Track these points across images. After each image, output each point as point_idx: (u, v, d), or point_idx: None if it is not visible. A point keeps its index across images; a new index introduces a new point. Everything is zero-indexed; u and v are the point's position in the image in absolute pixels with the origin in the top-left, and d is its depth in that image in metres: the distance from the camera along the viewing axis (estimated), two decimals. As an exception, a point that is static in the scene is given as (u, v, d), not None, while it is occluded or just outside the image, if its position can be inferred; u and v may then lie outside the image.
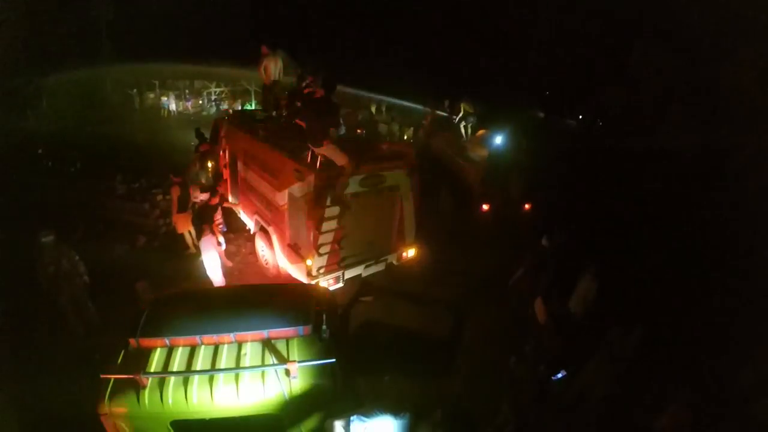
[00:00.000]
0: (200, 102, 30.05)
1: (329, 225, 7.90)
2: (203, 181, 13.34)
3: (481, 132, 15.20)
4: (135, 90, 31.00)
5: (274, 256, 9.46)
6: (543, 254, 9.24)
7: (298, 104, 9.78)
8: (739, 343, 7.37)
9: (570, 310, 8.18)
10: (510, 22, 30.42)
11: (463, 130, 16.16)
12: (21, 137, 21.32)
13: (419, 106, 20.13)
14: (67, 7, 27.20)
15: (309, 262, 8.02)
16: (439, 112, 17.63)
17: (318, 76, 8.49)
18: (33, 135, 22.54)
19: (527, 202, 13.86)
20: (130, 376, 4.16)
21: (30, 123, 25.69)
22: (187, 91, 30.60)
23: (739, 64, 21.98)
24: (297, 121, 8.77)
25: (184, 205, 10.83)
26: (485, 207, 13.59)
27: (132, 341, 4.68)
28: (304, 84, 9.65)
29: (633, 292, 9.16)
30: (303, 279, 8.30)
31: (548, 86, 29.61)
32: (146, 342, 4.63)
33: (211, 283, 9.24)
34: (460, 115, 16.26)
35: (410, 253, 9.62)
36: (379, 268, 9.18)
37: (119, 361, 4.58)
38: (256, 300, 5.52)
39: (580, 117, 31.53)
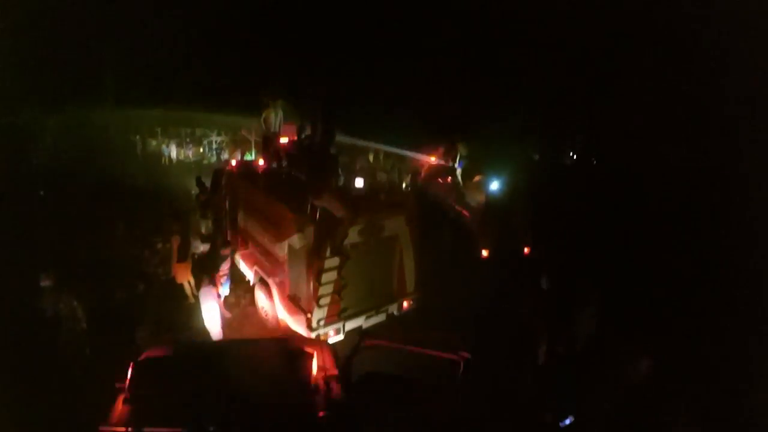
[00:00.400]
0: (201, 150, 30.34)
1: (329, 276, 7.84)
2: (203, 230, 13.40)
3: (477, 177, 15.30)
4: (138, 136, 31.38)
5: (273, 308, 9.35)
6: (543, 296, 9.26)
7: (298, 155, 9.87)
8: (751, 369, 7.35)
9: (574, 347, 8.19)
10: (500, 66, 30.95)
11: (459, 175, 16.27)
12: (22, 178, 21.54)
13: (416, 153, 20.35)
14: (72, 49, 27.78)
15: (309, 314, 7.95)
16: (434, 158, 17.78)
17: (317, 127, 8.63)
18: (35, 176, 22.79)
19: (527, 246, 13.86)
20: None
21: (32, 164, 25.99)
22: (188, 138, 30.93)
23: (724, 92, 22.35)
24: (296, 172, 8.87)
25: (184, 254, 10.81)
26: (485, 253, 13.56)
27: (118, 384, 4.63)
28: (303, 135, 9.79)
29: (636, 325, 9.10)
30: (303, 331, 8.19)
31: (541, 127, 29.89)
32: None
33: (208, 333, 9.16)
34: (457, 159, 16.40)
35: (411, 301, 9.52)
36: (381, 318, 9.04)
37: None
38: (250, 367, 5.41)
39: (573, 155, 31.88)
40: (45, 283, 7.77)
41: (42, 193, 20.04)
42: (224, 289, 9.98)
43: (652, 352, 6.89)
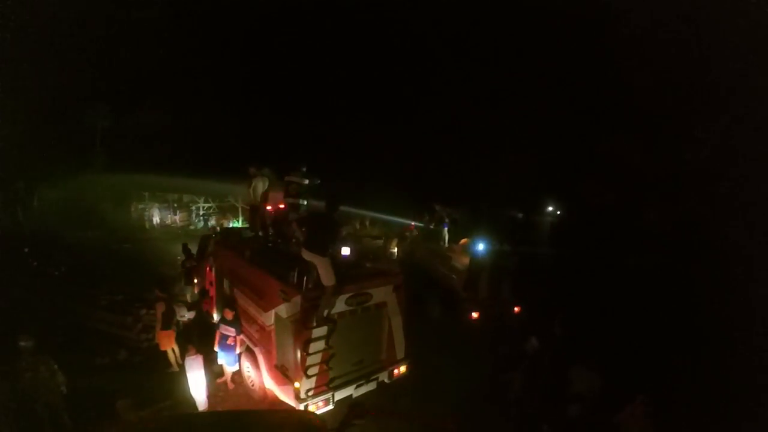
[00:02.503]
0: (188, 216, 30.41)
1: (317, 346, 7.77)
2: (188, 298, 13.29)
3: (463, 241, 15.44)
4: (125, 200, 31.42)
5: (260, 378, 9.20)
6: (535, 356, 9.28)
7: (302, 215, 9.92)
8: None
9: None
10: (483, 129, 31.77)
11: (445, 237, 16.40)
12: (9, 234, 21.38)
13: (401, 218, 20.57)
14: (63, 114, 28.17)
15: (297, 384, 7.81)
16: (420, 223, 17.98)
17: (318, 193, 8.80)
18: (21, 234, 22.62)
19: (516, 306, 13.87)
20: None
21: (19, 222, 25.83)
22: (175, 204, 31.03)
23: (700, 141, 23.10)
24: (296, 226, 8.93)
25: (168, 321, 10.68)
26: (474, 315, 13.55)
27: None
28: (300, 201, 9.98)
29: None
30: (291, 402, 8.04)
31: (524, 186, 30.47)
32: None
33: (193, 403, 8.97)
34: (442, 221, 16.57)
35: (401, 369, 9.38)
36: (371, 387, 8.87)
37: None
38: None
39: (558, 212, 32.41)
40: (24, 344, 7.61)
41: (27, 250, 19.77)
42: (231, 358, 9.72)
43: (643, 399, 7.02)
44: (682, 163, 24.72)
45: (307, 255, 7.90)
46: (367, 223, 22.59)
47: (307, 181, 9.83)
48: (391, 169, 29.12)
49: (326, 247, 7.88)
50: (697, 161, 23.51)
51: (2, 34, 23.45)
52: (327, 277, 7.78)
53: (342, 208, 8.65)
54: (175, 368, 10.59)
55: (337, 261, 8.91)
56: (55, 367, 7.79)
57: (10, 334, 7.71)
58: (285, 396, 8.32)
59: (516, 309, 13.75)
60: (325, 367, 8.06)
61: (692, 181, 23.32)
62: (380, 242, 19.96)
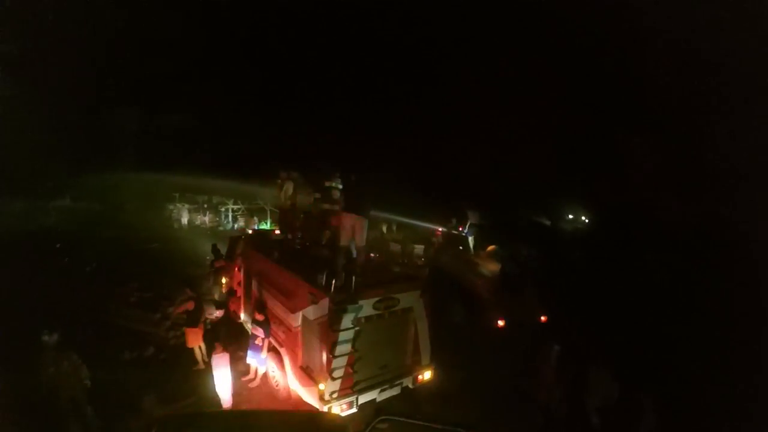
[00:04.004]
0: (217, 218, 30.78)
1: (343, 348, 7.80)
2: (216, 297, 13.46)
3: (491, 247, 15.33)
4: (155, 201, 31.95)
5: (285, 378, 9.26)
6: (558, 361, 9.21)
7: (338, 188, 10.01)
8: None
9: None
10: (511, 134, 31.56)
11: (471, 243, 16.30)
12: (41, 232, 21.93)
13: (428, 223, 20.51)
14: (97, 115, 28.89)
15: (322, 386, 7.83)
16: (446, 229, 17.89)
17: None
18: (53, 230, 23.15)
19: (543, 314, 13.71)
20: None
21: (51, 219, 26.47)
22: (205, 205, 31.45)
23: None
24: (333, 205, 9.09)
25: (196, 319, 10.81)
26: (500, 322, 13.42)
27: None
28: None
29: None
30: (315, 403, 8.07)
31: (551, 193, 30.18)
32: None
33: (218, 400, 9.07)
34: (467, 226, 16.46)
35: (426, 375, 9.33)
36: (395, 392, 8.85)
37: None
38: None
39: (583, 218, 31.98)
40: (47, 338, 7.77)
41: (58, 245, 20.23)
42: (260, 356, 9.82)
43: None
44: (706, 164, 24.29)
45: (348, 218, 8.25)
46: (394, 227, 22.51)
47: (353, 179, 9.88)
48: (417, 173, 29.14)
49: (367, 208, 8.18)
50: (721, 161, 23.07)
51: (35, 38, 24.31)
52: (362, 238, 8.29)
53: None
54: (201, 366, 10.70)
55: (365, 263, 8.99)
56: (79, 362, 7.90)
57: (39, 328, 7.89)
58: (309, 397, 8.35)
59: (543, 317, 13.59)
60: (350, 369, 8.07)
61: (716, 183, 22.94)
62: (407, 247, 19.87)
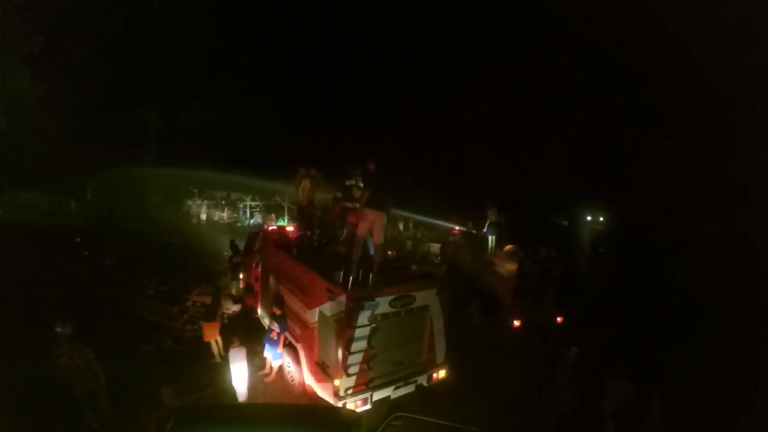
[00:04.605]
0: (235, 214, 31.01)
1: (359, 345, 7.84)
2: (234, 291, 13.58)
3: (508, 247, 15.24)
4: (175, 196, 32.29)
5: (300, 374, 9.32)
6: (574, 363, 9.19)
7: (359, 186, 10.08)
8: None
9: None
10: (529, 132, 31.34)
11: (490, 242, 16.23)
12: (62, 225, 22.29)
13: (446, 221, 20.44)
14: (118, 111, 29.29)
15: (337, 382, 7.89)
16: (464, 228, 17.83)
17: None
18: (73, 224, 23.51)
19: (559, 315, 13.62)
20: None
21: (72, 210, 26.89)
22: (223, 201, 31.71)
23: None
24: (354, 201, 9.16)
25: (213, 314, 10.93)
26: (516, 322, 13.37)
27: None
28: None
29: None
30: (330, 399, 8.12)
31: (571, 194, 29.89)
32: None
33: (234, 393, 9.17)
34: (487, 225, 16.39)
35: (441, 373, 9.36)
36: (409, 389, 8.89)
37: None
38: (284, 425, 5.44)
39: (602, 219, 31.64)
40: (60, 330, 7.91)
41: (78, 239, 20.57)
42: (276, 351, 9.89)
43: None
44: (729, 170, 23.97)
45: (369, 214, 8.44)
46: (411, 225, 22.48)
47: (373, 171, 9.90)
48: (436, 171, 29.06)
49: (388, 205, 8.51)
50: (745, 168, 22.76)
51: (58, 34, 24.71)
52: (380, 236, 8.53)
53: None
54: (218, 359, 10.84)
55: (383, 261, 9.01)
56: (91, 355, 8.00)
57: (56, 320, 8.04)
58: (324, 393, 8.41)
59: (559, 318, 13.51)
60: (365, 366, 8.11)
61: (738, 190, 22.62)
62: (424, 245, 19.83)
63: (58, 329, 7.83)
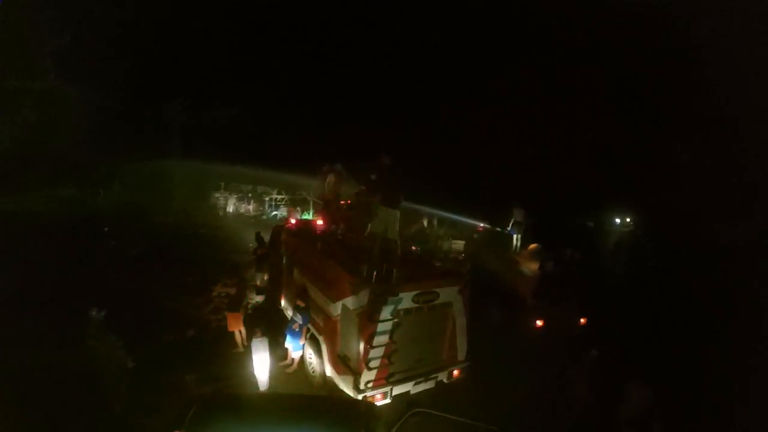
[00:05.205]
0: (261, 207, 31.25)
1: (381, 339, 7.89)
2: (258, 283, 13.73)
3: (532, 246, 15.14)
4: (202, 189, 32.68)
5: (321, 365, 9.39)
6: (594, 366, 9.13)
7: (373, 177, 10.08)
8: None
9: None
10: (558, 130, 31.01)
11: (514, 241, 16.13)
12: (89, 215, 22.78)
13: (470, 219, 20.36)
14: (147, 103, 29.79)
15: (357, 375, 7.95)
16: (488, 225, 17.76)
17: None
18: (102, 213, 23.99)
19: (583, 317, 13.46)
20: None
21: (100, 202, 27.44)
22: (249, 194, 31.97)
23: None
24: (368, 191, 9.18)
25: (237, 304, 11.07)
26: (539, 323, 13.26)
27: None
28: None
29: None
30: (350, 392, 8.18)
31: (597, 194, 29.47)
32: None
33: (255, 383, 9.28)
34: (511, 224, 16.28)
35: (461, 370, 9.34)
36: (429, 385, 8.90)
37: None
38: (304, 416, 5.51)
39: (629, 220, 31.13)
40: (94, 314, 8.12)
41: (106, 229, 20.97)
42: (298, 342, 9.98)
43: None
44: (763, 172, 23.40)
45: (383, 212, 8.48)
46: (435, 222, 22.39)
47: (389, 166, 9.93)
48: (463, 168, 28.93)
49: (398, 201, 8.54)
50: None
51: (88, 30, 25.23)
52: (393, 231, 8.48)
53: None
54: (241, 349, 10.95)
55: (406, 257, 9.02)
56: (117, 343, 8.24)
57: (85, 308, 8.25)
58: (344, 385, 8.47)
59: (582, 320, 13.36)
60: (386, 361, 8.15)
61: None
62: (448, 242, 19.78)
63: (93, 314, 8.05)
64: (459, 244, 19.12)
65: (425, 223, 22.13)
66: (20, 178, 24.26)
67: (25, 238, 17.23)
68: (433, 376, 8.94)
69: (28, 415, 7.72)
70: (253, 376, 9.30)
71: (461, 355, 9.34)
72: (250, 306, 11.83)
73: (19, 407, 7.88)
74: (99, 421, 7.86)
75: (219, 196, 31.97)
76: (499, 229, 16.75)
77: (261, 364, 9.21)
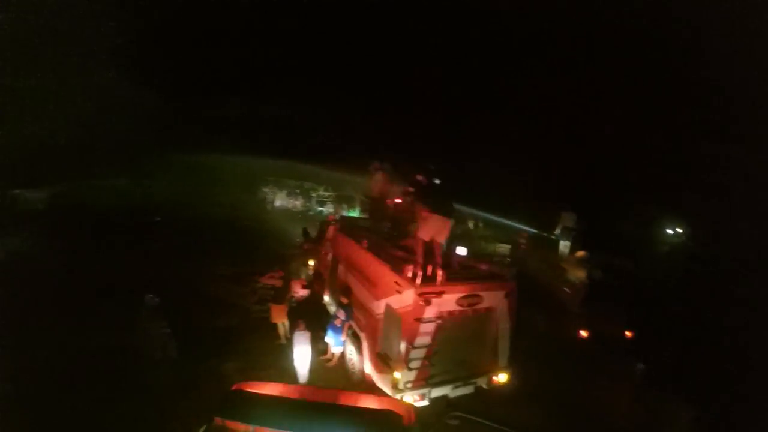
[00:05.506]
0: (307, 202, 31.63)
1: (423, 340, 7.87)
2: (303, 277, 13.90)
3: (580, 253, 14.80)
4: (251, 182, 33.35)
5: (361, 362, 9.43)
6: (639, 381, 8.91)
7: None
8: None
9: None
10: (617, 135, 30.23)
11: (562, 247, 15.81)
12: (142, 203, 23.60)
13: (517, 222, 20.07)
14: (204, 98, 30.64)
15: (397, 374, 7.94)
16: (534, 230, 17.48)
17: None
18: (153, 204, 24.80)
19: (630, 329, 13.04)
20: None
21: (152, 192, 28.37)
22: (297, 190, 32.41)
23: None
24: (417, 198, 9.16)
25: (282, 297, 11.23)
26: (583, 333, 12.96)
27: (217, 420, 4.82)
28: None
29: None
30: (388, 390, 8.18)
31: (653, 204, 28.54)
32: (231, 424, 4.77)
33: (295, 375, 9.39)
34: (559, 230, 15.96)
35: (501, 377, 9.16)
36: (468, 390, 8.82)
37: None
38: (341, 411, 5.55)
39: (681, 231, 30.07)
40: (149, 301, 8.44)
41: (158, 219, 21.61)
42: (339, 338, 10.09)
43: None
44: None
45: (437, 220, 8.38)
46: (480, 224, 22.15)
47: (437, 181, 9.89)
48: (513, 171, 28.52)
49: (451, 211, 8.45)
50: None
51: (143, 29, 26.19)
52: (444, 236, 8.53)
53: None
54: (282, 340, 11.12)
55: (451, 259, 8.95)
56: (166, 329, 8.55)
57: (135, 292, 8.58)
58: (382, 384, 8.49)
59: (628, 333, 12.95)
60: (426, 362, 8.14)
61: None
62: (494, 245, 19.55)
63: (148, 298, 8.38)
64: (504, 248, 18.86)
65: (471, 224, 21.93)
66: (76, 167, 25.30)
67: (84, 225, 18.04)
68: (473, 380, 8.85)
69: (84, 392, 8.12)
70: (293, 368, 9.41)
71: (503, 361, 9.19)
72: (294, 299, 11.95)
73: (78, 383, 8.34)
74: (142, 395, 8.21)
75: (267, 191, 32.48)
76: (546, 233, 16.43)
77: (302, 357, 9.31)
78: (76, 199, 23.03)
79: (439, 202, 8.57)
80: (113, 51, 26.13)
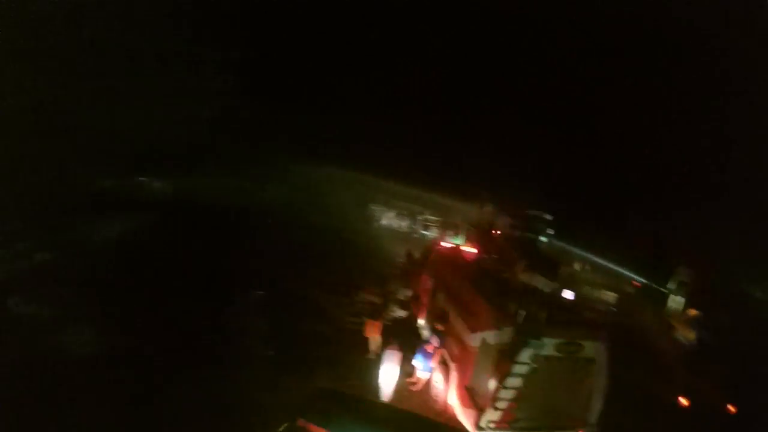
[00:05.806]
0: (414, 225, 31.92)
1: (514, 381, 7.71)
2: (401, 298, 14.04)
3: (693, 312, 13.75)
4: (362, 199, 34.33)
5: (446, 392, 9.40)
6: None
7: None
8: None
9: None
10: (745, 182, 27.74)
11: (671, 302, 14.74)
12: (256, 205, 25.01)
13: (628, 270, 18.92)
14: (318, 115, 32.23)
15: (482, 411, 7.82)
16: (645, 281, 16.45)
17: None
18: (266, 206, 26.19)
19: (731, 403, 11.86)
20: None
21: (266, 196, 30.02)
22: (405, 212, 32.81)
23: None
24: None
25: (378, 313, 11.45)
26: (684, 401, 11.94)
27: (300, 421, 5.03)
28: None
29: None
30: (468, 426, 8.12)
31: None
32: (313, 427, 4.96)
33: (378, 392, 9.52)
34: (673, 284, 14.89)
35: (589, 434, 8.75)
36: (552, 441, 8.49)
37: None
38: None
39: None
40: (256, 298, 9.03)
41: (269, 221, 22.70)
42: (428, 364, 10.08)
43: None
44: None
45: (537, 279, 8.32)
46: (588, 267, 21.09)
47: (549, 217, 9.70)
48: (627, 215, 27.01)
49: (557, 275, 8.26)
50: None
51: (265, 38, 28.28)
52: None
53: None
54: (372, 356, 11.25)
55: (556, 302, 8.72)
56: (267, 325, 9.12)
57: (238, 289, 9.17)
58: (464, 418, 8.42)
59: (731, 408, 11.71)
60: (514, 404, 7.93)
61: None
62: (601, 292, 18.60)
63: (254, 296, 8.99)
64: (610, 296, 17.89)
65: (577, 266, 21.01)
66: (201, 164, 27.42)
67: (201, 217, 19.44)
68: None
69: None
70: (378, 384, 9.57)
71: (592, 417, 8.66)
72: (390, 318, 12.12)
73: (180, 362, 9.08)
74: (234, 384, 8.78)
75: (375, 209, 33.17)
76: (657, 285, 15.37)
77: (388, 376, 9.44)
78: (197, 193, 24.82)
79: (541, 264, 8.37)
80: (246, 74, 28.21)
